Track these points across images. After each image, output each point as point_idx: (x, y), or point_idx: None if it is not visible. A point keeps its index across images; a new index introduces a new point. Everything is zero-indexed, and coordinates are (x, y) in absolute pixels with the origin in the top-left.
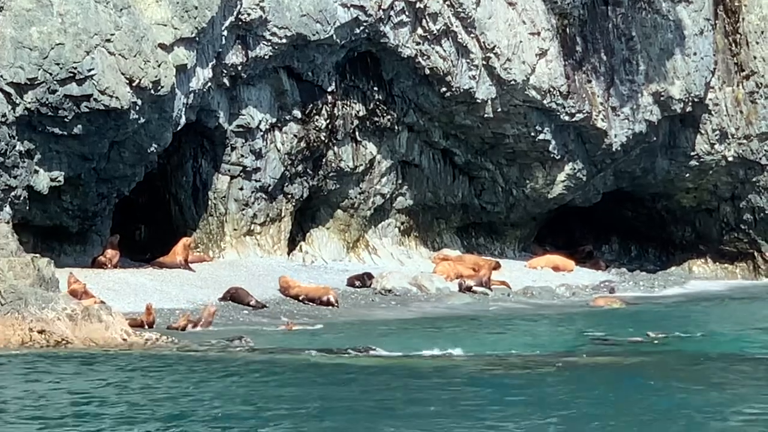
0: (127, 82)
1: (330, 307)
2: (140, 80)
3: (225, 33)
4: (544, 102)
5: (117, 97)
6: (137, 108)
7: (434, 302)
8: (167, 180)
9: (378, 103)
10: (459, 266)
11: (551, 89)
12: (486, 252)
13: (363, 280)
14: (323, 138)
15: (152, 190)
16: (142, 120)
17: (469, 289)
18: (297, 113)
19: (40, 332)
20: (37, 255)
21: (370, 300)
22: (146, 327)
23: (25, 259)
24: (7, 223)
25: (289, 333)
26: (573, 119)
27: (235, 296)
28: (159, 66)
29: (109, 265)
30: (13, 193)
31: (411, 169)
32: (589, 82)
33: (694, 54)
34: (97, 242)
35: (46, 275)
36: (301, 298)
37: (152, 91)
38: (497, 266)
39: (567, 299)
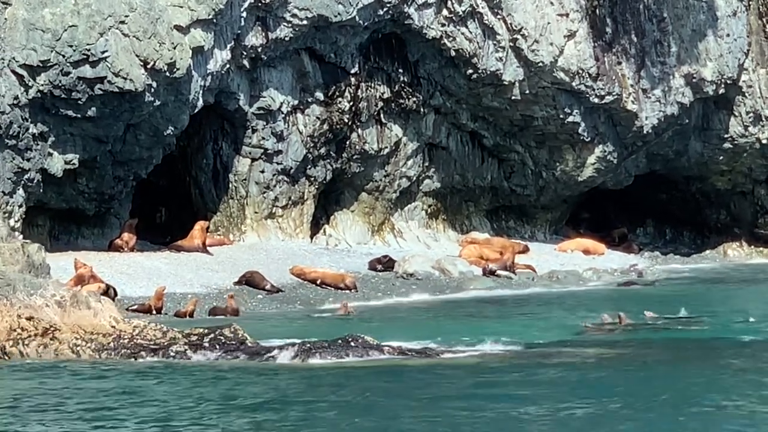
0: (142, 64)
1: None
2: (155, 62)
3: (244, 14)
4: (573, 84)
5: (131, 80)
6: (152, 90)
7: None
8: (187, 163)
9: (403, 85)
10: (485, 249)
11: (580, 71)
12: (516, 235)
13: (383, 263)
14: (347, 120)
15: (172, 172)
16: (157, 102)
17: (492, 273)
18: (320, 95)
19: (29, 319)
20: (28, 241)
21: (391, 284)
22: (154, 312)
23: (14, 244)
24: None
25: (345, 317)
26: (602, 101)
27: (250, 280)
28: (174, 48)
29: (126, 249)
30: (26, 176)
31: (438, 152)
32: (619, 63)
33: (727, 35)
34: (115, 225)
35: (36, 261)
36: (318, 282)
37: (167, 74)
38: (525, 250)
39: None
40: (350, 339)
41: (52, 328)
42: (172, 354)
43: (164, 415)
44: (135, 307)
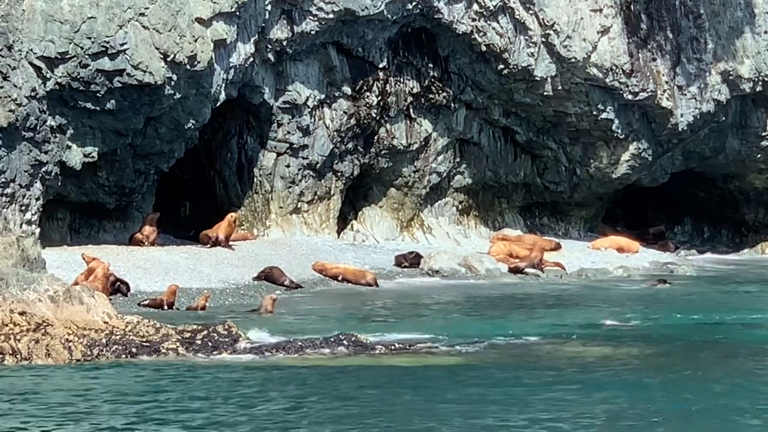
0: (162, 56)
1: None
2: (175, 55)
3: (269, 8)
4: (606, 80)
5: (151, 72)
6: (172, 83)
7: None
8: (212, 157)
9: (433, 80)
10: (514, 247)
11: (614, 67)
12: (550, 232)
13: (409, 259)
14: (374, 115)
15: (197, 166)
16: (178, 95)
17: (520, 270)
18: (347, 90)
19: (21, 314)
20: (23, 234)
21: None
22: (165, 308)
23: (9, 238)
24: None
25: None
26: (637, 98)
27: (269, 276)
28: (196, 41)
29: (147, 243)
30: (44, 169)
31: (469, 147)
32: (654, 60)
33: (765, 32)
34: (138, 219)
35: (31, 255)
36: (339, 278)
37: (188, 66)
38: (557, 247)
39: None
40: (343, 337)
41: (44, 324)
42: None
43: None
44: (147, 301)
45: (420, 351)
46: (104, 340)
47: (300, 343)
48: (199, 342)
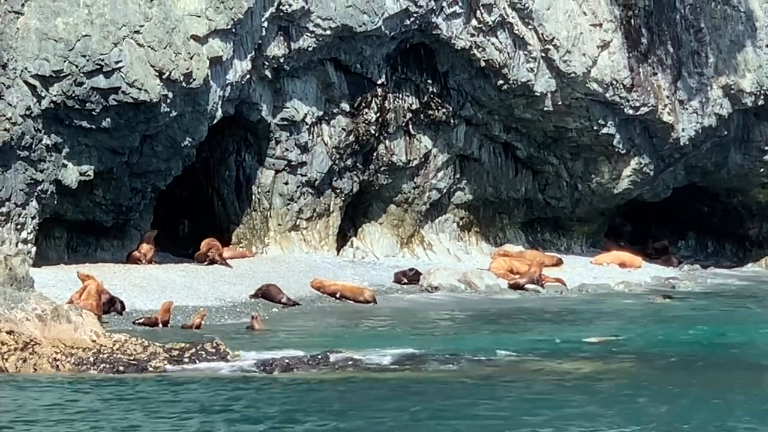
0: (157, 74)
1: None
2: (170, 72)
3: (265, 24)
4: (607, 95)
5: (146, 90)
6: (168, 101)
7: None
8: (210, 174)
9: (432, 95)
10: (515, 263)
11: (614, 82)
12: (552, 248)
13: (409, 276)
14: (373, 131)
15: (195, 184)
16: (174, 113)
17: (520, 286)
18: (345, 106)
19: (9, 333)
20: (11, 254)
21: (413, 297)
22: (161, 326)
23: None
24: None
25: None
26: (638, 113)
27: (266, 293)
28: (191, 58)
29: (144, 261)
30: (39, 188)
31: (470, 163)
32: (655, 74)
33: (766, 46)
34: (135, 237)
35: (18, 274)
36: (338, 295)
37: (184, 84)
38: (558, 263)
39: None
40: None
41: (32, 342)
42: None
43: None
44: (141, 320)
45: (409, 366)
46: (92, 359)
47: (287, 360)
48: (186, 360)
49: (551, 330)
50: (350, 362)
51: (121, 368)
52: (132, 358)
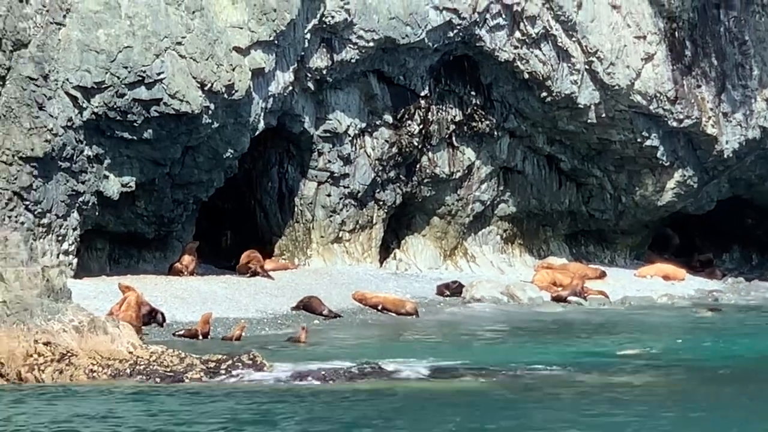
0: (199, 86)
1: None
2: (212, 84)
3: (308, 36)
4: (651, 107)
5: (188, 102)
6: (210, 112)
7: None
8: (253, 186)
9: (476, 107)
10: (558, 275)
11: (658, 94)
12: (596, 260)
13: (452, 288)
14: (416, 143)
15: (238, 196)
16: (215, 125)
17: (562, 299)
18: (388, 118)
19: (46, 344)
20: (48, 265)
21: (455, 310)
22: (201, 338)
23: (34, 269)
24: (29, 230)
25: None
26: (681, 125)
27: (307, 306)
28: (233, 69)
29: (186, 273)
30: (80, 199)
31: (513, 176)
32: (699, 87)
33: None
34: (178, 249)
35: (56, 286)
36: (379, 307)
37: (226, 95)
38: (602, 275)
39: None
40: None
41: (68, 354)
42: None
43: None
44: (181, 332)
45: (443, 378)
46: (128, 370)
47: (323, 372)
48: (223, 371)
49: (590, 343)
50: (385, 374)
51: (158, 379)
52: (168, 369)
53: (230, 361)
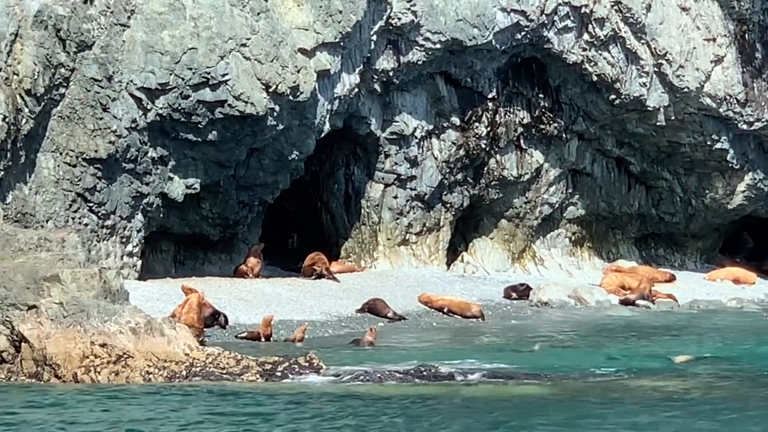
0: (264, 87)
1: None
2: (277, 86)
3: (374, 38)
4: (720, 110)
5: (252, 103)
6: (275, 114)
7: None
8: (319, 188)
9: (544, 110)
10: (627, 278)
11: (728, 97)
12: (665, 263)
13: (519, 291)
14: (484, 146)
15: (304, 198)
16: (280, 126)
17: (630, 302)
18: (455, 120)
19: (102, 345)
20: (106, 267)
21: (522, 313)
22: (263, 340)
23: (91, 270)
24: (92, 231)
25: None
26: (751, 128)
27: (372, 308)
28: (298, 71)
29: (251, 275)
30: (144, 200)
31: (582, 178)
32: None
33: None
34: (243, 251)
35: (113, 287)
36: (445, 310)
37: (291, 97)
38: (671, 279)
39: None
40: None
41: (125, 356)
42: None
43: None
44: (244, 334)
45: (497, 382)
46: (184, 372)
47: (379, 374)
48: (279, 373)
49: (654, 347)
50: (441, 376)
51: (214, 381)
52: (225, 371)
53: (287, 363)
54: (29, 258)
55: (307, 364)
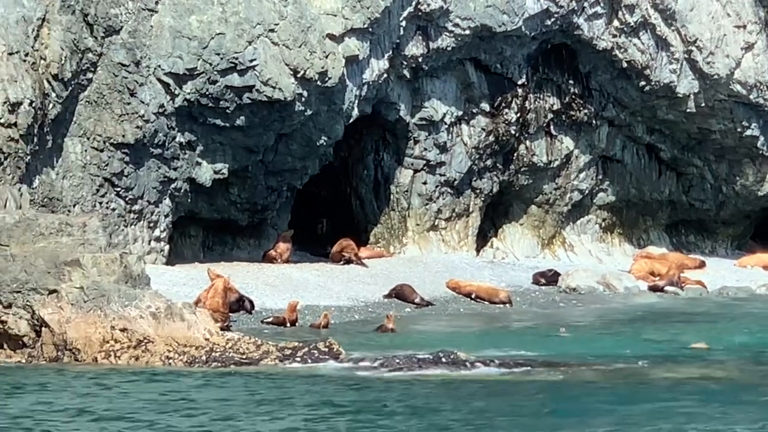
0: (292, 73)
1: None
2: (305, 71)
3: (403, 23)
4: (751, 97)
5: (280, 89)
6: (303, 100)
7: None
8: (348, 173)
9: (574, 96)
10: (656, 264)
11: (758, 84)
12: (696, 250)
13: (548, 277)
14: (513, 132)
15: (334, 183)
16: (309, 112)
17: (659, 288)
18: (485, 106)
19: (122, 330)
20: (127, 251)
21: (550, 299)
22: (288, 325)
23: (112, 255)
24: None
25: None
26: None
27: (399, 293)
28: (326, 57)
29: (280, 260)
30: (173, 185)
31: (612, 165)
32: None
33: None
34: (272, 236)
35: (134, 272)
36: (473, 296)
37: (319, 83)
38: (701, 265)
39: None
40: (442, 354)
41: (145, 340)
42: None
43: None
44: (270, 319)
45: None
46: (204, 357)
47: (398, 360)
48: (299, 359)
49: (679, 333)
50: (460, 363)
51: (233, 366)
52: (244, 356)
53: (306, 349)
54: (50, 242)
55: (326, 350)
